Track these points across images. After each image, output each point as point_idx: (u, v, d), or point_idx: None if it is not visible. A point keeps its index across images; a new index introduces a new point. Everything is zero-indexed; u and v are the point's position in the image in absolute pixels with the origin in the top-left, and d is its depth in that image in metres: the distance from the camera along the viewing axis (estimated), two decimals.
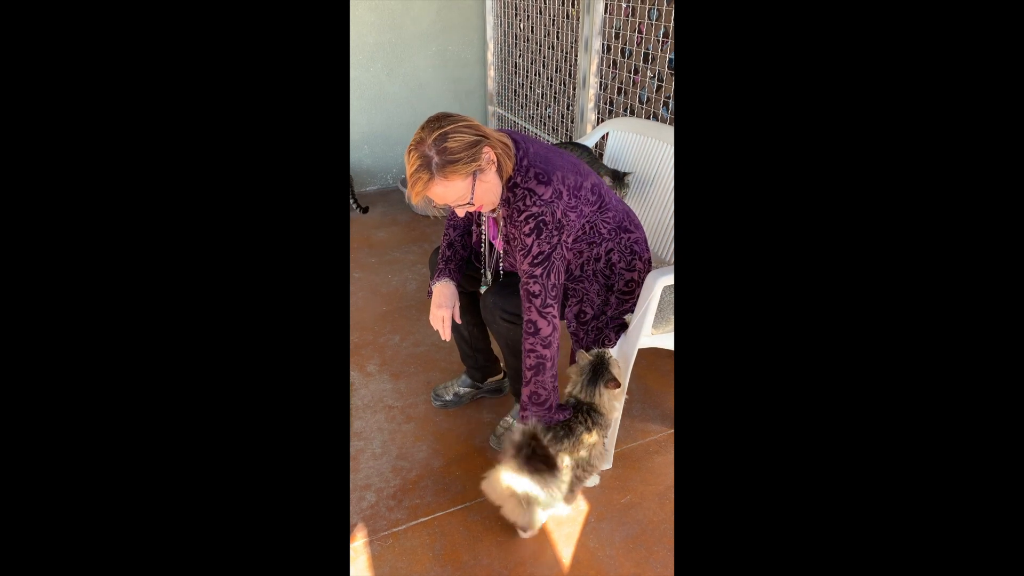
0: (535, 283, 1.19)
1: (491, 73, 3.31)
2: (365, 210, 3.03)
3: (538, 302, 1.19)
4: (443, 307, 1.33)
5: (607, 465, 1.46)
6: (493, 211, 1.26)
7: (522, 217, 1.17)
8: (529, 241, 1.17)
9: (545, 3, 2.67)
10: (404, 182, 3.08)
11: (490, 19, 3.17)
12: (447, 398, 1.66)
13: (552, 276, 1.21)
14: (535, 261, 1.18)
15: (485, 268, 1.43)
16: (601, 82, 2.32)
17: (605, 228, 1.30)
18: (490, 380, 1.68)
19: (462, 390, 1.66)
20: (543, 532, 1.29)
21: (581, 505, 1.36)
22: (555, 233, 1.18)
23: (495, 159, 1.14)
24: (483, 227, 1.39)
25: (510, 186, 1.19)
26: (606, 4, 2.18)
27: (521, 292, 1.22)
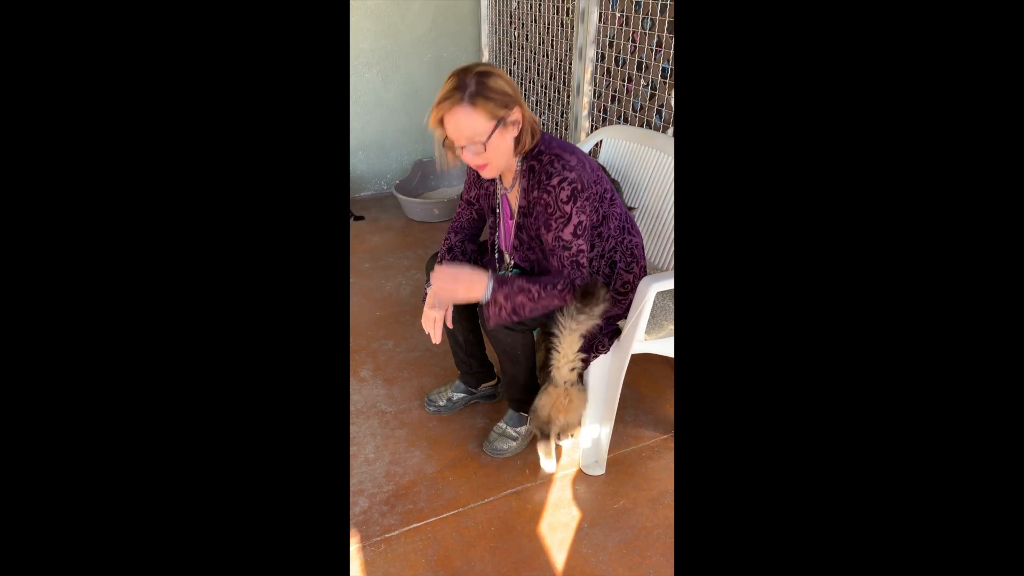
0: (583, 255, 1.20)
1: None
2: (359, 218, 3.03)
3: (585, 272, 1.21)
4: (435, 308, 1.33)
5: (600, 471, 1.47)
6: (506, 185, 1.29)
7: (554, 181, 1.16)
8: (568, 208, 1.17)
9: (540, 11, 2.69)
10: (399, 187, 3.08)
11: (485, 27, 3.19)
12: (440, 403, 1.66)
13: (593, 248, 1.24)
14: (578, 232, 1.18)
15: (495, 267, 1.44)
16: (595, 90, 2.34)
17: (613, 223, 1.32)
18: (484, 386, 1.68)
19: (456, 396, 1.66)
20: (536, 538, 1.29)
21: (574, 511, 1.36)
22: (588, 202, 1.19)
23: (520, 123, 1.17)
24: (497, 233, 1.40)
25: (534, 154, 1.21)
26: (600, 13, 2.20)
27: (557, 260, 1.20)
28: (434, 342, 1.33)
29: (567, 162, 1.17)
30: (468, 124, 1.12)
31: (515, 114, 1.15)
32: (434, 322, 1.32)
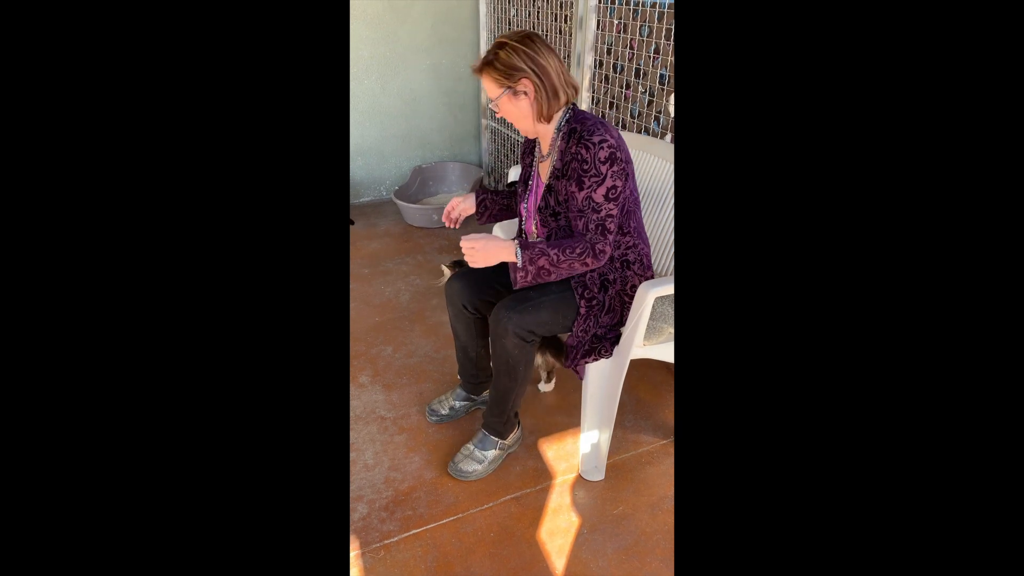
0: (611, 221, 1.22)
1: None
2: (350, 223, 3.05)
3: (611, 238, 1.23)
4: (461, 201, 1.48)
5: (599, 476, 1.47)
6: (544, 152, 1.34)
7: (595, 139, 1.20)
8: (604, 169, 1.19)
9: (538, 18, 2.71)
10: (398, 193, 3.09)
11: (484, 34, 3.21)
12: (443, 412, 1.66)
13: (621, 216, 1.27)
14: (610, 195, 1.21)
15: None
16: (593, 96, 2.35)
17: (634, 223, 1.34)
18: (485, 392, 1.68)
19: (457, 403, 1.66)
20: (536, 543, 1.29)
21: (573, 517, 1.36)
22: (622, 172, 1.22)
23: (530, 92, 1.23)
24: (525, 204, 1.43)
25: (578, 119, 1.26)
26: (598, 20, 2.21)
27: (584, 223, 1.22)
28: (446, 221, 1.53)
29: (609, 131, 1.22)
30: (486, 87, 1.26)
31: (523, 85, 1.22)
32: (454, 207, 1.50)
